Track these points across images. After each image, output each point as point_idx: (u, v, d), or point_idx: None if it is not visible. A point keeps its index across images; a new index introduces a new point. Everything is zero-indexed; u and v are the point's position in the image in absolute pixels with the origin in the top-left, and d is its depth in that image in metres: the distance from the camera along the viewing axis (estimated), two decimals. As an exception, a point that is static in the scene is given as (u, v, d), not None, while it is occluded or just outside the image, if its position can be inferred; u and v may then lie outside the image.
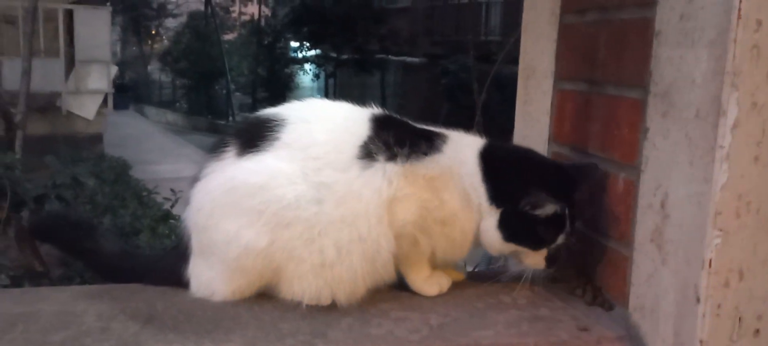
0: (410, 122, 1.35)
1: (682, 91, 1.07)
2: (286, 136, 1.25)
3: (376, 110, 1.33)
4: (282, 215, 1.19)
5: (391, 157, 1.24)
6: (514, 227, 1.27)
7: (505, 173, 1.31)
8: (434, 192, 1.26)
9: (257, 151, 1.23)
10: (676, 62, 1.08)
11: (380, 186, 1.22)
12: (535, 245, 1.30)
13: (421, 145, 1.27)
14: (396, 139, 1.26)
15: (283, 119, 1.27)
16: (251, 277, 1.24)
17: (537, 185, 1.25)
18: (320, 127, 1.27)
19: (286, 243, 1.20)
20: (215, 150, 1.28)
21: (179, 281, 1.29)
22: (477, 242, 1.32)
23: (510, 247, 1.29)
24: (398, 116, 1.36)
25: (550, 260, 1.31)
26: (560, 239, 1.29)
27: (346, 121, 1.29)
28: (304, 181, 1.20)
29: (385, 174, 1.23)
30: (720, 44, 0.98)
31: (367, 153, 1.23)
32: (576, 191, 1.30)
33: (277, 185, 1.20)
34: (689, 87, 1.05)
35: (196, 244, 1.27)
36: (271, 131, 1.25)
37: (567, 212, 1.27)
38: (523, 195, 1.25)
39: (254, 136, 1.25)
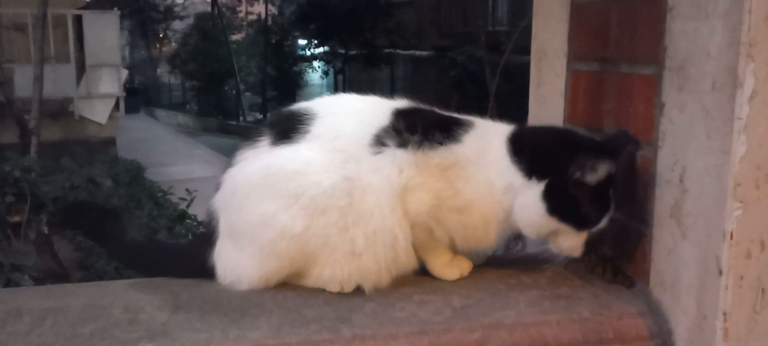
0: (436, 110, 1.33)
1: (698, 64, 1.07)
2: (316, 129, 1.27)
3: (402, 102, 1.34)
4: (318, 201, 1.21)
5: (402, 143, 1.24)
6: (561, 199, 1.20)
7: (543, 145, 1.27)
8: (448, 181, 1.25)
9: (291, 141, 1.26)
10: (691, 35, 1.09)
11: (390, 174, 1.22)
12: (580, 222, 1.22)
13: (436, 133, 1.26)
14: (407, 126, 1.26)
15: (314, 113, 1.29)
16: (282, 261, 1.25)
17: (582, 151, 1.20)
18: (346, 120, 1.28)
19: (322, 230, 1.22)
20: (249, 139, 1.31)
21: (203, 268, 1.31)
22: (506, 228, 1.29)
23: (551, 224, 1.22)
24: (424, 106, 1.34)
25: (586, 246, 1.24)
26: (603, 222, 1.22)
27: (370, 115, 1.29)
28: (336, 172, 1.22)
29: (395, 161, 1.23)
30: (734, 15, 0.99)
31: (378, 140, 1.24)
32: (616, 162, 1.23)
33: (313, 171, 1.22)
34: (704, 59, 1.05)
35: (226, 227, 1.29)
36: (303, 124, 1.27)
37: (611, 191, 1.21)
38: (570, 161, 1.18)
39: (287, 128, 1.28)
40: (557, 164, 1.21)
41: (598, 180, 1.19)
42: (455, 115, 1.33)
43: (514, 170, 1.25)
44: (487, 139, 1.29)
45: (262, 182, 1.24)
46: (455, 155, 1.25)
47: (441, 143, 1.25)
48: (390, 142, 1.24)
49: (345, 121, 1.28)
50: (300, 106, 1.34)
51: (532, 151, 1.25)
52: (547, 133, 1.36)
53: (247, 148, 1.30)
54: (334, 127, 1.27)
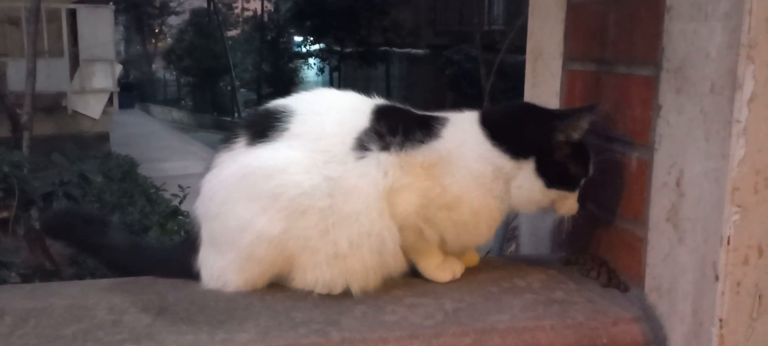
0: (412, 110, 1.32)
1: (696, 66, 1.05)
2: (296, 127, 1.23)
3: (380, 101, 1.31)
4: (298, 202, 1.18)
5: (384, 147, 1.21)
6: (553, 168, 1.24)
7: (519, 124, 1.28)
8: (434, 179, 1.23)
9: (268, 140, 1.22)
10: (690, 36, 1.06)
11: (376, 177, 1.20)
12: (574, 182, 1.26)
13: (417, 133, 1.24)
14: (388, 128, 1.23)
15: (293, 110, 1.26)
16: (264, 266, 1.23)
17: (555, 118, 1.25)
18: (328, 119, 1.25)
19: (301, 232, 1.19)
20: (225, 142, 1.27)
21: (190, 273, 1.28)
22: (499, 217, 1.28)
23: (550, 195, 1.25)
24: (400, 105, 1.33)
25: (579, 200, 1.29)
26: (591, 170, 1.28)
27: (351, 113, 1.26)
28: (317, 172, 1.19)
29: (380, 165, 1.20)
30: (735, 16, 0.96)
31: (360, 144, 1.21)
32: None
33: (294, 171, 1.18)
34: (703, 61, 1.03)
35: (207, 233, 1.26)
36: (281, 122, 1.24)
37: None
38: (551, 130, 1.23)
39: (265, 127, 1.24)
40: (538, 138, 1.24)
41: (582, 135, 1.24)
42: (430, 113, 1.31)
43: (498, 154, 1.24)
44: (462, 128, 1.27)
45: (237, 184, 1.21)
46: (438, 152, 1.23)
47: (422, 142, 1.23)
48: (372, 146, 1.21)
49: (327, 120, 1.24)
50: (276, 103, 1.30)
51: (512, 132, 1.26)
52: (515, 111, 1.35)
53: (223, 151, 1.26)
54: (315, 126, 1.23)
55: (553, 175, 1.24)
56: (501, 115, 1.33)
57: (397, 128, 1.23)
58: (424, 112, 1.31)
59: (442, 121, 1.27)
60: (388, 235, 1.21)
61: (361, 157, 1.20)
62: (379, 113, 1.26)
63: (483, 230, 1.29)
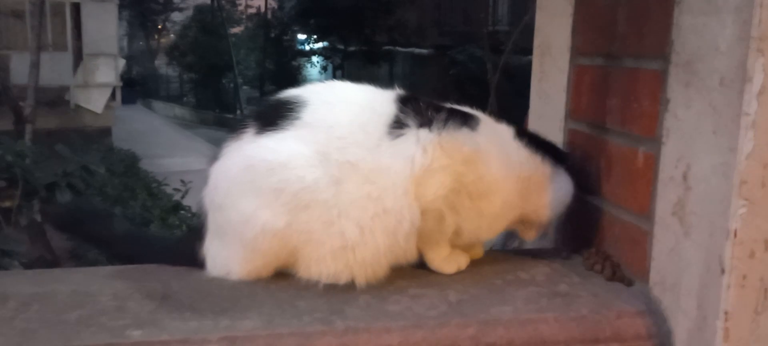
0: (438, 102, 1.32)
1: (706, 60, 1.05)
2: (308, 116, 1.21)
3: (402, 91, 1.30)
4: (301, 197, 1.16)
5: (425, 122, 1.21)
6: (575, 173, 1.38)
7: (548, 140, 1.41)
8: (469, 165, 1.22)
9: (277, 129, 1.21)
10: (700, 30, 1.06)
11: (413, 155, 1.18)
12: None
13: (458, 117, 1.24)
14: (429, 105, 1.24)
15: (305, 100, 1.24)
16: (268, 258, 1.22)
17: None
18: (344, 108, 1.24)
19: (305, 225, 1.18)
20: (234, 131, 1.27)
21: (194, 261, 1.28)
22: (514, 218, 1.33)
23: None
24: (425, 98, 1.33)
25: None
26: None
27: (371, 102, 1.26)
28: (322, 163, 1.17)
29: (419, 141, 1.19)
30: (745, 9, 0.96)
31: (398, 123, 1.20)
32: None
33: (297, 165, 1.17)
34: (713, 54, 1.03)
35: (212, 223, 1.26)
36: (292, 111, 1.22)
37: None
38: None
39: (274, 116, 1.22)
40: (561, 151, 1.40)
41: None
42: (457, 106, 1.32)
43: (537, 161, 1.32)
44: (498, 131, 1.31)
45: (241, 176, 1.20)
46: (476, 141, 1.24)
47: (462, 126, 1.24)
48: (411, 122, 1.20)
49: (341, 108, 1.24)
50: (288, 93, 1.29)
51: (549, 144, 1.38)
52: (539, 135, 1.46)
53: (231, 140, 1.25)
54: (329, 114, 1.22)
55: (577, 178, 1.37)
56: (533, 134, 1.40)
57: (440, 108, 1.24)
58: (453, 105, 1.32)
59: (475, 116, 1.29)
60: (408, 213, 1.19)
61: (398, 136, 1.20)
62: (410, 97, 1.26)
63: (501, 224, 1.32)
